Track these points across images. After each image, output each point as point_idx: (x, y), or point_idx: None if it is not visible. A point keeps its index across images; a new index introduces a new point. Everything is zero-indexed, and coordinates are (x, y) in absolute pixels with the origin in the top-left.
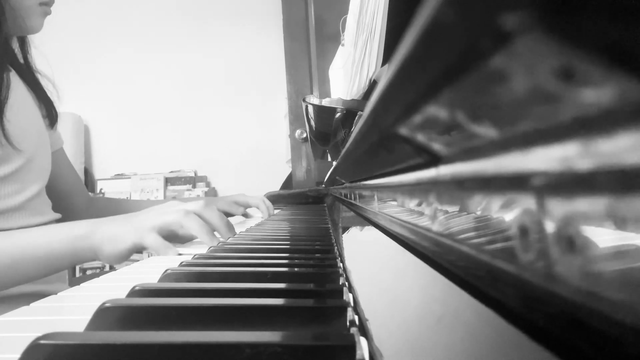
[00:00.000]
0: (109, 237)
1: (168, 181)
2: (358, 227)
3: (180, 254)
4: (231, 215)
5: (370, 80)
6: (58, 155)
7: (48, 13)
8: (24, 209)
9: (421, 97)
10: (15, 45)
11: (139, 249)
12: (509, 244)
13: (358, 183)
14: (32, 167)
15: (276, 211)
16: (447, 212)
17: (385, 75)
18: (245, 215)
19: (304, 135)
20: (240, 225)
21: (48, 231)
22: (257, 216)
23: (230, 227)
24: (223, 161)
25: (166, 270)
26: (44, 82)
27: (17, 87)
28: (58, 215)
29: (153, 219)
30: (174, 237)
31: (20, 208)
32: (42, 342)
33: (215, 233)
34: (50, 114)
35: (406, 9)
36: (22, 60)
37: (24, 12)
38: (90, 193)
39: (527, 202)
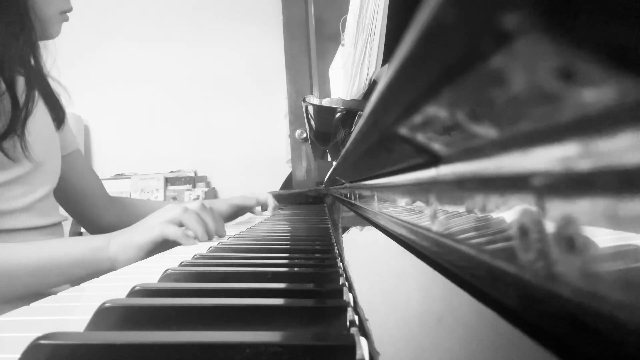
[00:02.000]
0: (121, 245)
1: (168, 181)
2: (358, 227)
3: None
4: (246, 208)
5: (370, 80)
6: (74, 158)
7: (66, 20)
8: (31, 210)
9: (421, 97)
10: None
11: (154, 245)
12: (509, 244)
13: (358, 183)
14: (42, 170)
15: (276, 211)
16: (447, 212)
17: (385, 75)
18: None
19: (304, 135)
20: (241, 225)
21: (68, 242)
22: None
23: (220, 229)
24: (223, 161)
25: (166, 270)
26: (52, 84)
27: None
28: (64, 217)
29: (160, 216)
30: (171, 244)
31: (27, 209)
32: (42, 342)
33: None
34: (57, 116)
35: (406, 9)
36: (33, 64)
37: (48, 22)
38: None
39: (527, 202)
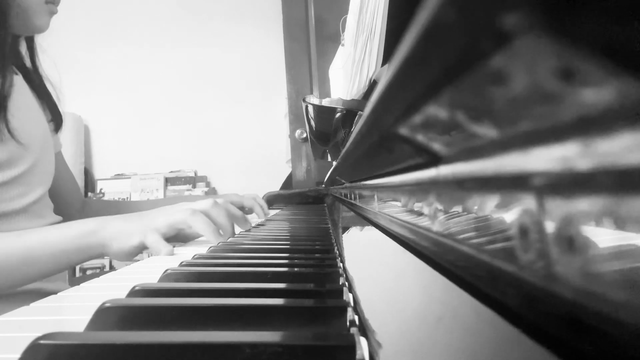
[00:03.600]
0: (117, 233)
1: (168, 181)
2: (358, 227)
3: (174, 254)
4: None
5: (370, 80)
6: (59, 157)
7: (54, 12)
8: (27, 212)
9: (421, 97)
10: (23, 48)
11: (145, 247)
12: (509, 244)
13: (358, 183)
14: (37, 170)
15: (276, 211)
16: (447, 212)
17: (385, 75)
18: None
19: (304, 135)
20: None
21: (59, 229)
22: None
23: (245, 221)
24: (223, 161)
25: (166, 270)
26: (49, 87)
27: (24, 91)
28: (59, 218)
29: (161, 218)
30: (183, 236)
31: (23, 211)
32: (42, 342)
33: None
34: (55, 119)
35: (406, 9)
36: (29, 65)
37: (30, 11)
38: (90, 193)
39: (527, 202)
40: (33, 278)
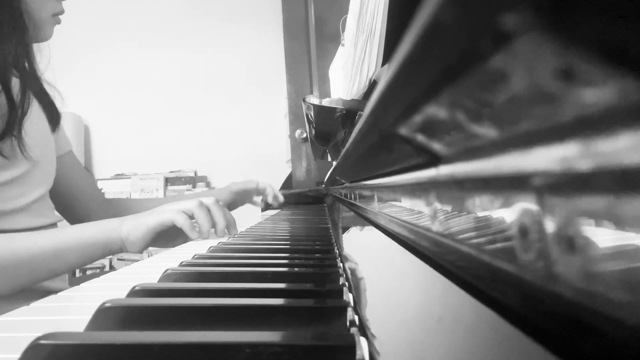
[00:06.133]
0: (132, 226)
1: (168, 181)
2: (358, 227)
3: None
4: (248, 192)
5: (370, 80)
6: (67, 159)
7: (58, 22)
8: (27, 211)
9: (421, 97)
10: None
11: (163, 227)
12: (509, 244)
13: (358, 183)
14: (38, 171)
15: (276, 211)
16: (447, 212)
17: (385, 75)
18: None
19: (304, 135)
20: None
21: (85, 226)
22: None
23: (232, 227)
24: (223, 161)
25: (166, 270)
26: (46, 87)
27: None
28: (60, 218)
29: (174, 205)
30: (168, 236)
31: (23, 210)
32: (42, 342)
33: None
34: (52, 118)
35: (406, 9)
36: (27, 66)
37: (40, 23)
38: None
39: (527, 202)
40: (64, 270)
